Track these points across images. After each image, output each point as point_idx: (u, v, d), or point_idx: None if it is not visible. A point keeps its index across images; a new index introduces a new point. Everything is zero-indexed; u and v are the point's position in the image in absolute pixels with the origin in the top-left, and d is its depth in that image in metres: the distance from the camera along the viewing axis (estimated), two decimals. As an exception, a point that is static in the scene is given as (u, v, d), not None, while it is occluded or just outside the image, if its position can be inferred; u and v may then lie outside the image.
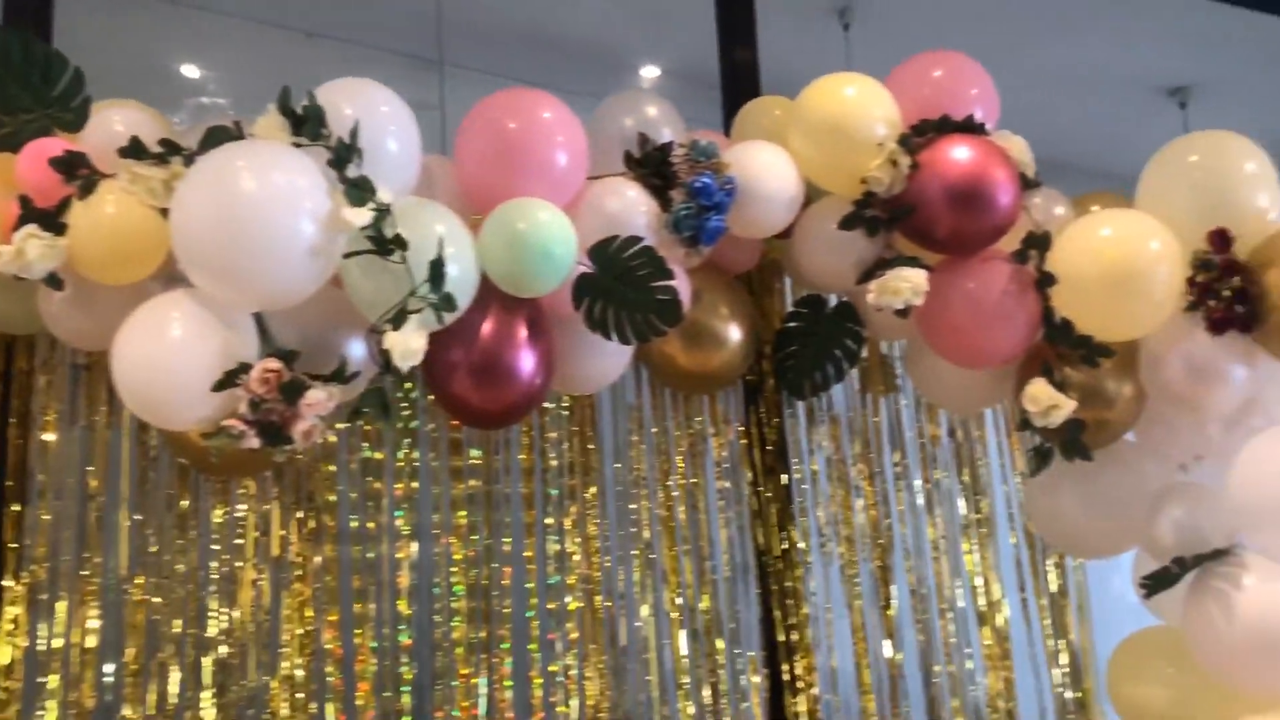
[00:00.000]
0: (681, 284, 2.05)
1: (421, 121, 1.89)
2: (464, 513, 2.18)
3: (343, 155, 1.75)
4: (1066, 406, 2.07)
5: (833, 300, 2.36)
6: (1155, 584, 2.02)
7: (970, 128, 2.12)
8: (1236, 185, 2.10)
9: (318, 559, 2.11)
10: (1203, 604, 2.01)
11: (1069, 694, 2.48)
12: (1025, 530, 2.54)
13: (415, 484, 2.17)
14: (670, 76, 3.90)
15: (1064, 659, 2.49)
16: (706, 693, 2.23)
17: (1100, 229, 2.08)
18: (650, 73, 3.95)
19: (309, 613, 2.09)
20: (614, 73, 3.96)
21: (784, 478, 2.41)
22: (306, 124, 1.76)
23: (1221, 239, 2.04)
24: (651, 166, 2.03)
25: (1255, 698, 1.99)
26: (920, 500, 2.50)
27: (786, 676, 2.30)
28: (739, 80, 2.67)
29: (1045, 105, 4.08)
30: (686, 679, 2.23)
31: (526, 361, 1.95)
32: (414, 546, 2.15)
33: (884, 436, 2.51)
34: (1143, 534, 2.20)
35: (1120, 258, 2.04)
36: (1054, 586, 2.52)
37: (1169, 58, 4.12)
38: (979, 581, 2.47)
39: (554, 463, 2.25)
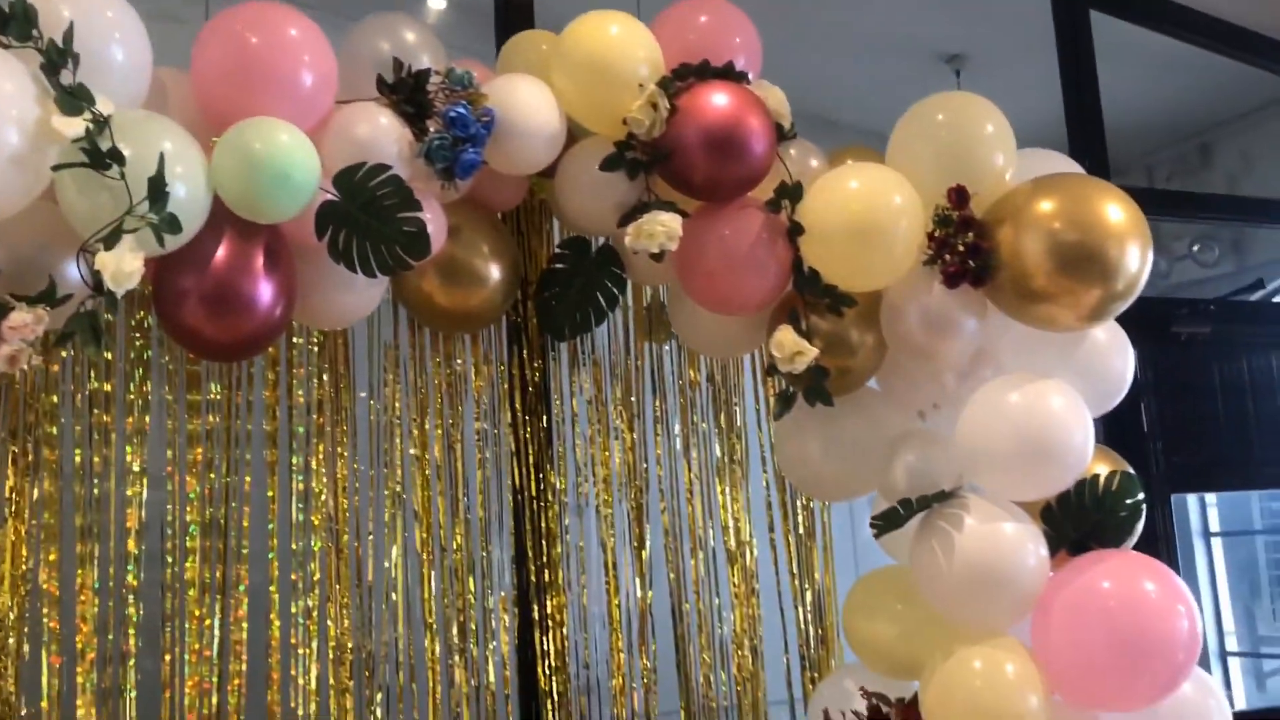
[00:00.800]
0: (435, 217, 2.00)
1: (178, 35, 1.77)
2: (200, 449, 2.08)
3: (55, 60, 1.61)
4: (810, 353, 2.14)
5: (597, 243, 2.36)
6: (884, 524, 2.12)
7: (730, 75, 2.14)
8: (977, 145, 2.20)
9: (35, 494, 1.97)
10: (927, 543, 2.13)
11: (812, 631, 2.59)
12: (776, 474, 2.63)
13: (148, 418, 2.06)
14: (455, 9, 3.79)
15: (809, 598, 2.60)
16: (454, 631, 2.22)
17: (847, 182, 2.15)
18: (437, 4, 3.84)
19: (25, 551, 1.96)
20: (400, 2, 3.82)
21: (544, 419, 2.41)
22: (13, 23, 1.61)
23: (959, 196, 2.13)
24: (405, 93, 1.95)
25: (971, 630, 2.12)
26: (678, 445, 2.55)
27: (536, 615, 2.32)
28: (511, 13, 2.61)
29: (826, 66, 4.19)
30: (434, 619, 2.21)
31: (264, 291, 1.86)
32: (145, 483, 2.04)
33: (645, 381, 2.54)
34: (880, 478, 2.31)
35: (863, 210, 2.11)
36: (802, 528, 2.62)
37: (947, 26, 4.28)
38: (731, 523, 2.54)
39: (301, 399, 2.17)
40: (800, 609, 2.59)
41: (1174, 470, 3.16)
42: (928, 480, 2.20)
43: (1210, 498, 4.68)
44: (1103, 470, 2.17)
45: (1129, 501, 2.15)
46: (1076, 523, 2.14)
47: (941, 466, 2.23)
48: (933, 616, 2.21)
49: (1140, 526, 2.20)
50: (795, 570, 2.59)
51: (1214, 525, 4.72)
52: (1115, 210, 2.11)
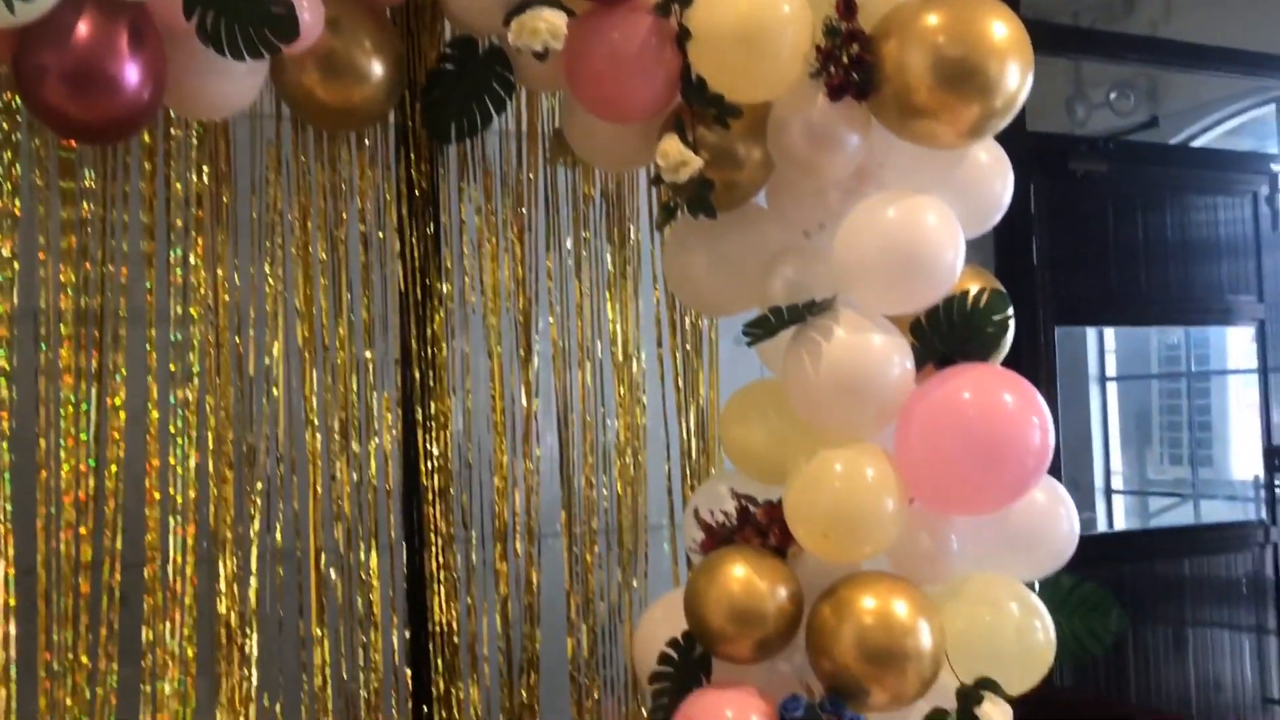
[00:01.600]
0: (311, 5, 1.96)
1: None
2: (74, 237, 2.06)
3: None
4: (694, 164, 2.15)
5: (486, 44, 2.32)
6: (758, 331, 2.18)
7: None
8: (871, -43, 2.18)
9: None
10: (798, 353, 2.19)
11: (695, 443, 2.68)
12: (667, 292, 2.66)
13: (18, 202, 2.02)
14: None
15: (693, 412, 2.67)
16: (336, 428, 2.26)
17: (736, -13, 2.12)
18: None
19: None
20: None
21: (430, 225, 2.41)
22: None
23: (848, 7, 2.11)
24: None
25: (835, 436, 2.21)
26: (570, 260, 2.57)
27: (420, 416, 2.36)
28: None
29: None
30: (315, 415, 2.25)
31: (129, 71, 1.82)
32: (16, 269, 2.02)
33: (539, 192, 2.54)
34: (761, 293, 2.36)
35: (751, 16, 2.09)
36: (689, 345, 2.68)
37: None
38: (619, 336, 2.59)
39: (179, 190, 2.15)
40: (683, 422, 2.66)
41: (1061, 303, 3.25)
42: (804, 294, 2.24)
43: (1110, 343, 4.84)
44: (973, 288, 2.24)
45: (996, 318, 2.22)
46: (944, 337, 2.21)
47: (818, 281, 2.27)
48: (802, 424, 2.29)
49: (1007, 343, 2.28)
50: (680, 385, 2.66)
51: (1111, 370, 4.88)
52: (999, 27, 2.12)
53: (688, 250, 2.41)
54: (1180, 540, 3.70)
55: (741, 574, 2.19)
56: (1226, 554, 3.38)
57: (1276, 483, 3.41)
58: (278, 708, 2.21)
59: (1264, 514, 3.48)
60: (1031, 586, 2.33)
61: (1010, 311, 2.27)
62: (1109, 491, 4.76)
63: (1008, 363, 3.14)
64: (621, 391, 2.56)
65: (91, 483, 2.04)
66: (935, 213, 2.17)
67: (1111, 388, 4.85)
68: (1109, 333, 4.74)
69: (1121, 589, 3.27)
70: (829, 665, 2.13)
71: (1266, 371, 3.56)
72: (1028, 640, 2.23)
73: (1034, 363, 3.24)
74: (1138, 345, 5.16)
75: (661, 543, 2.61)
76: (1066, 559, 2.35)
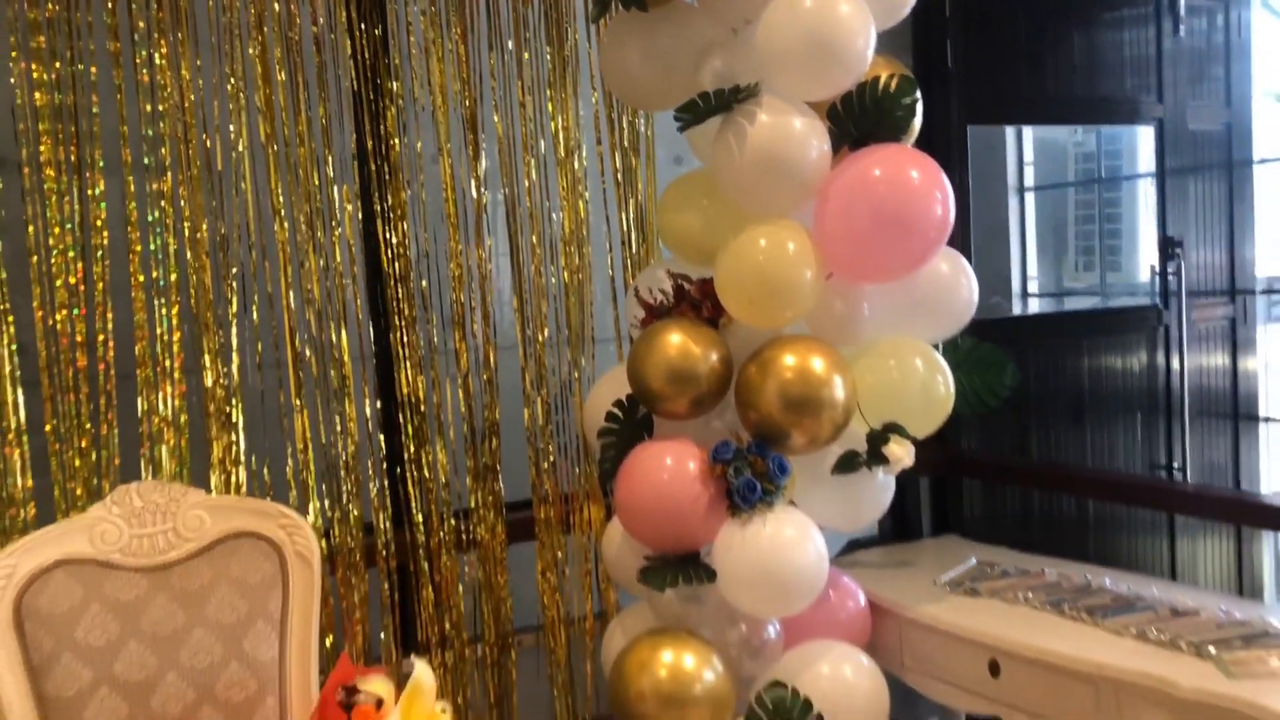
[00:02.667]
0: None
1: None
2: (42, 37, 2.19)
3: None
4: (625, -43, 2.30)
5: None
6: (687, 117, 2.38)
7: None
8: None
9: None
10: (725, 138, 2.39)
11: (634, 234, 2.90)
12: (605, 90, 2.83)
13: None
14: None
15: (632, 205, 2.89)
16: (301, 218, 2.45)
17: None
18: None
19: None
20: None
21: (378, 27, 2.55)
22: None
23: None
24: None
25: (760, 214, 2.43)
26: (511, 61, 2.72)
27: (379, 208, 2.55)
28: None
29: None
30: (282, 207, 2.43)
31: None
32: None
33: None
34: (692, 87, 2.54)
35: None
36: (627, 142, 2.87)
37: None
38: (560, 133, 2.77)
39: (138, -9, 2.26)
40: (624, 215, 2.88)
41: (973, 103, 3.47)
42: (730, 83, 2.44)
43: (1028, 154, 5.07)
44: (883, 75, 2.44)
45: (905, 101, 2.43)
46: (857, 120, 2.43)
47: (744, 72, 2.47)
48: (731, 207, 2.51)
49: (915, 126, 2.50)
50: (619, 180, 2.86)
51: (1029, 181, 5.13)
52: None
53: (622, 46, 2.57)
54: (1082, 322, 4.04)
55: (677, 340, 2.45)
56: (1125, 334, 3.72)
57: (1170, 271, 3.72)
58: (265, 470, 2.46)
59: (1158, 300, 3.80)
60: (936, 348, 2.62)
61: (918, 95, 2.48)
62: (1025, 295, 5.07)
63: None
64: (565, 185, 2.76)
65: (80, 266, 2.22)
66: (848, 3, 2.36)
67: (1029, 197, 5.11)
68: (1027, 144, 4.97)
69: (1026, 366, 3.60)
70: (755, 415, 2.41)
71: (1164, 172, 3.83)
72: (930, 392, 2.53)
73: (947, 160, 3.47)
74: (1055, 155, 5.39)
75: (607, 327, 2.85)
76: (965, 322, 2.63)
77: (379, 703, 1.83)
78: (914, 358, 2.52)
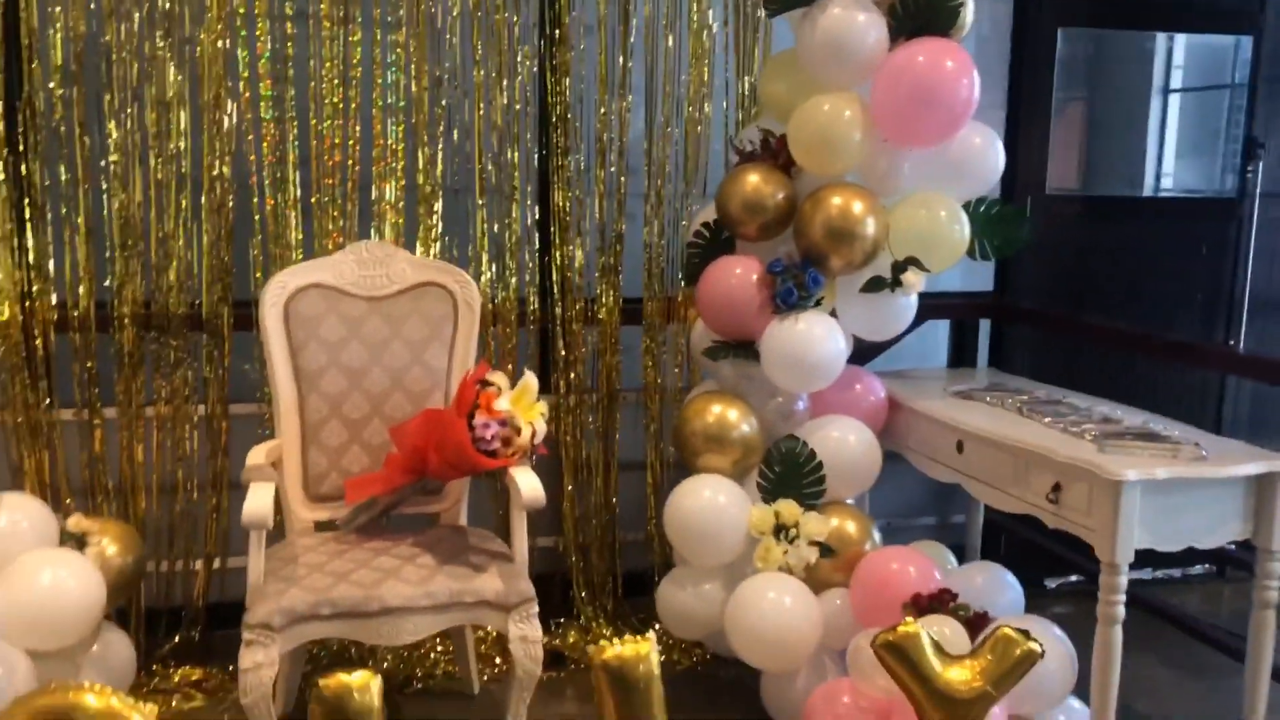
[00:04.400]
0: None
1: None
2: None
3: None
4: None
5: None
6: (774, 6, 3.13)
7: None
8: None
9: None
10: (804, 25, 3.11)
11: (748, 98, 3.67)
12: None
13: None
14: None
15: (748, 79, 3.66)
16: (493, 67, 3.38)
17: None
18: None
19: None
20: None
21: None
22: None
23: None
24: None
25: (828, 87, 3.16)
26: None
27: (549, 64, 3.45)
28: None
29: None
30: (480, 58, 3.36)
31: None
32: None
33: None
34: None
35: None
36: (747, 26, 3.62)
37: None
38: (694, 14, 3.56)
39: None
40: (741, 82, 3.66)
41: (1064, 7, 3.96)
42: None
43: (1178, 57, 5.33)
44: (938, -23, 3.09)
45: (951, 4, 3.08)
46: (911, 17, 3.09)
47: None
48: (808, 80, 3.24)
49: (965, 23, 3.13)
50: (739, 54, 3.63)
51: (1175, 82, 5.41)
52: None
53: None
54: (1162, 207, 4.51)
55: (754, 180, 3.24)
56: (1202, 222, 4.17)
57: (1249, 170, 4.12)
58: (454, 246, 3.45)
59: (1237, 195, 4.23)
60: (967, 207, 3.29)
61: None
62: (1157, 191, 5.40)
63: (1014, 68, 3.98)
64: (693, 55, 3.56)
65: (340, 92, 3.24)
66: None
67: (1174, 99, 5.38)
68: (1179, 49, 5.24)
69: (1099, 242, 4.15)
70: (804, 241, 3.19)
71: (1256, 81, 4.18)
72: (949, 237, 3.21)
73: (1035, 58, 4.03)
74: (1208, 58, 5.59)
75: (719, 170, 3.65)
76: (992, 186, 3.30)
77: (499, 391, 2.81)
78: (940, 209, 3.21)
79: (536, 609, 2.70)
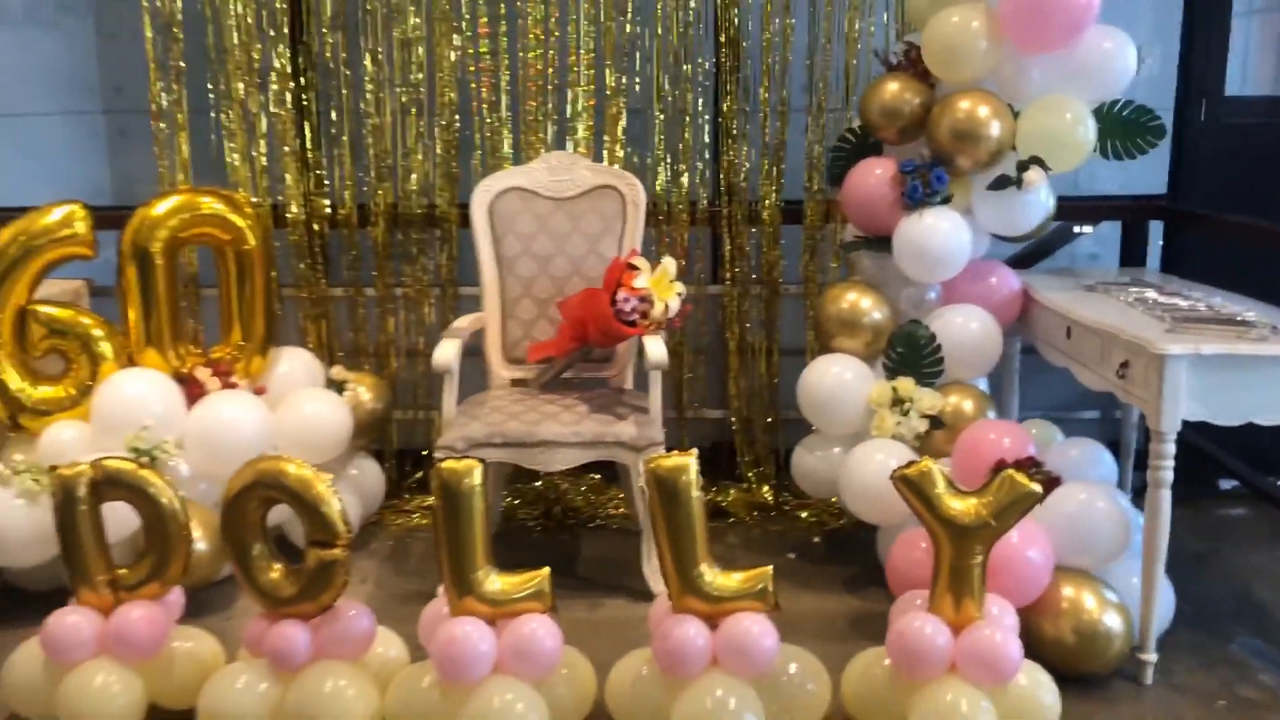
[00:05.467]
0: None
1: None
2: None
3: None
4: None
5: None
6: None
7: None
8: None
9: None
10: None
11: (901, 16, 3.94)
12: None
13: None
14: None
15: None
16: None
17: None
18: None
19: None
20: None
21: None
22: None
23: None
24: None
25: None
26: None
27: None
28: None
29: None
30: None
31: None
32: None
33: None
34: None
35: None
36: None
37: None
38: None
39: None
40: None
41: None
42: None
43: None
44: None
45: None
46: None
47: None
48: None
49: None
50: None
51: None
52: None
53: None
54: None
55: (894, 87, 3.57)
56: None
57: None
58: (634, 157, 4.04)
59: None
60: (1100, 109, 3.45)
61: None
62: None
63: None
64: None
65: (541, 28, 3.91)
66: None
67: None
68: None
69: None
70: (934, 144, 3.49)
71: None
72: (1072, 138, 3.40)
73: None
74: None
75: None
76: (1120, 90, 3.43)
77: (639, 272, 3.37)
78: (1065, 111, 3.40)
79: (663, 452, 3.28)
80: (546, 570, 2.61)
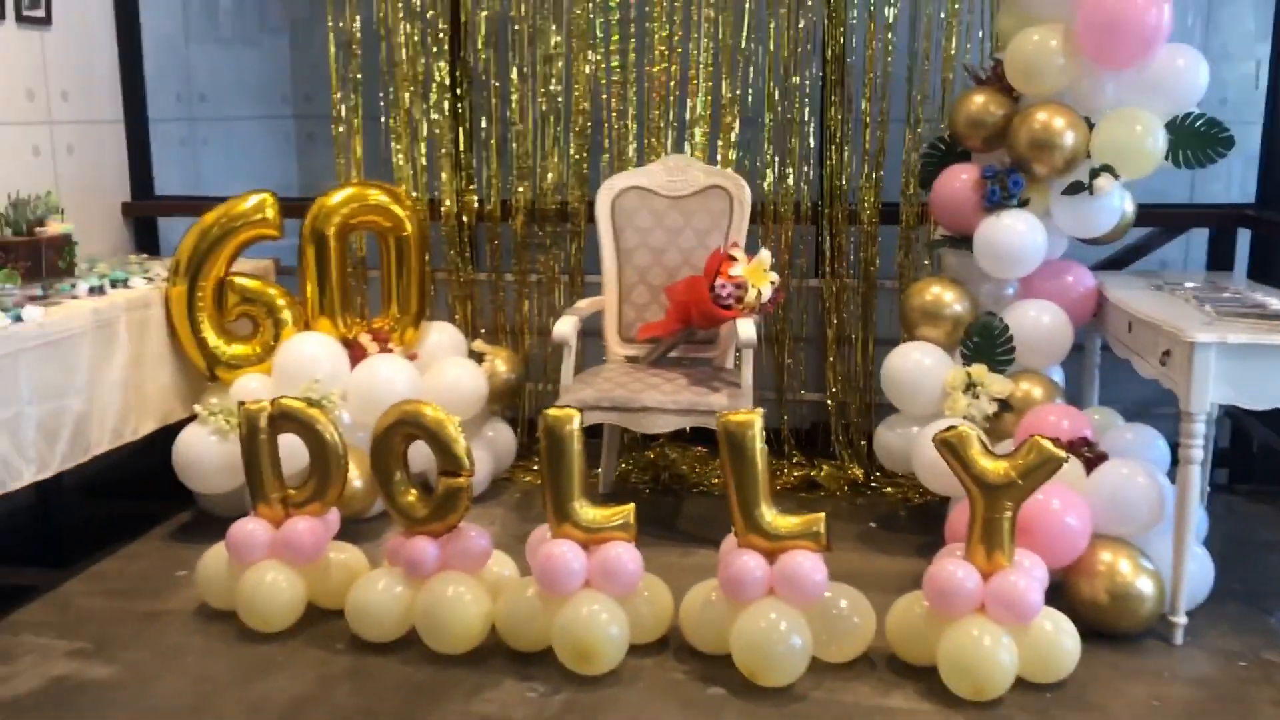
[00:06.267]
0: None
1: None
2: None
3: None
4: None
5: None
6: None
7: None
8: None
9: None
10: (1019, -31, 3.73)
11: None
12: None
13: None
14: None
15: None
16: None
17: None
18: None
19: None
20: None
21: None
22: None
23: None
24: None
25: (1041, 18, 3.74)
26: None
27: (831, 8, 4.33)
28: None
29: None
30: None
31: None
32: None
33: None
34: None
35: None
36: (1007, -33, 4.20)
37: None
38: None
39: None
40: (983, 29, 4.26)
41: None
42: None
43: None
44: None
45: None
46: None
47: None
48: (1028, 14, 3.82)
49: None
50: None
51: None
52: None
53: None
54: None
55: (980, 100, 3.91)
56: None
57: None
58: (746, 161, 4.48)
59: None
60: (1174, 122, 3.70)
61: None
62: None
63: None
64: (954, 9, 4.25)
65: (665, 45, 4.39)
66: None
67: None
68: None
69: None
70: (1013, 152, 3.82)
71: None
72: (1143, 149, 3.66)
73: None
74: None
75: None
76: (1193, 104, 3.67)
77: (736, 261, 3.82)
78: (1136, 124, 3.67)
79: (751, 420, 3.71)
80: (631, 506, 3.09)
